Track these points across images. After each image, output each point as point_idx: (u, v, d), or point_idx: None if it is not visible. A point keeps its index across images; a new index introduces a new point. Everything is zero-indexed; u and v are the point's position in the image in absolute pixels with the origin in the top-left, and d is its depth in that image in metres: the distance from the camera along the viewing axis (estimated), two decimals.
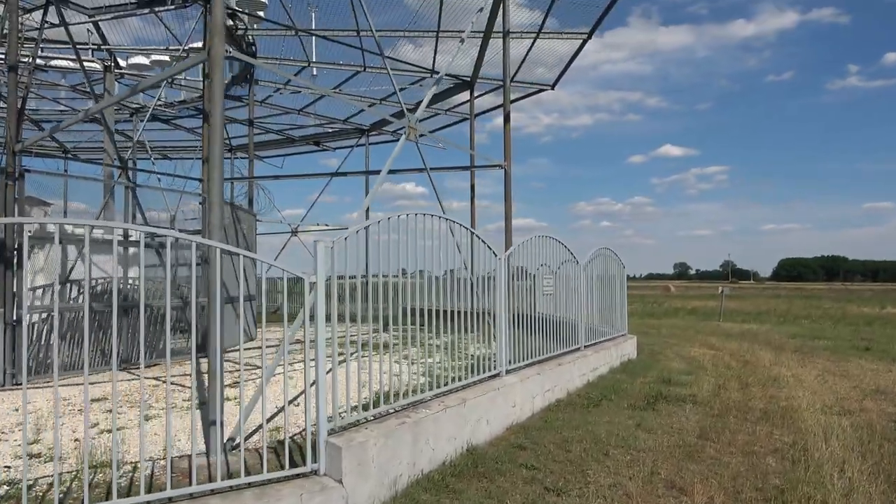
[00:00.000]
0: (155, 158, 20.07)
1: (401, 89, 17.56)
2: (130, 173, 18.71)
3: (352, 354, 4.86)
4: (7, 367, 8.20)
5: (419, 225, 5.53)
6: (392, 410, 5.14)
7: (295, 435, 5.32)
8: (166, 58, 15.10)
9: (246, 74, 15.60)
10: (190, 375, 8.11)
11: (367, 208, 6.89)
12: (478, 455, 5.52)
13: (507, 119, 10.75)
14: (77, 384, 8.16)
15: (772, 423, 7.04)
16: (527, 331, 7.93)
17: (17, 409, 6.90)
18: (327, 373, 4.49)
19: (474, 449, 5.69)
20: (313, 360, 4.41)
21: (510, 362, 7.48)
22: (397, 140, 12.14)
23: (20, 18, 11.77)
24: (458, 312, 6.36)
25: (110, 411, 6.94)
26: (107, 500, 3.50)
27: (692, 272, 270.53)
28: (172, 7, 11.74)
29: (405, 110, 8.14)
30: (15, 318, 8.28)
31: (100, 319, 9.43)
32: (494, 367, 6.93)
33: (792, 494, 4.74)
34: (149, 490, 3.69)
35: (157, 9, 12.00)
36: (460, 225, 6.32)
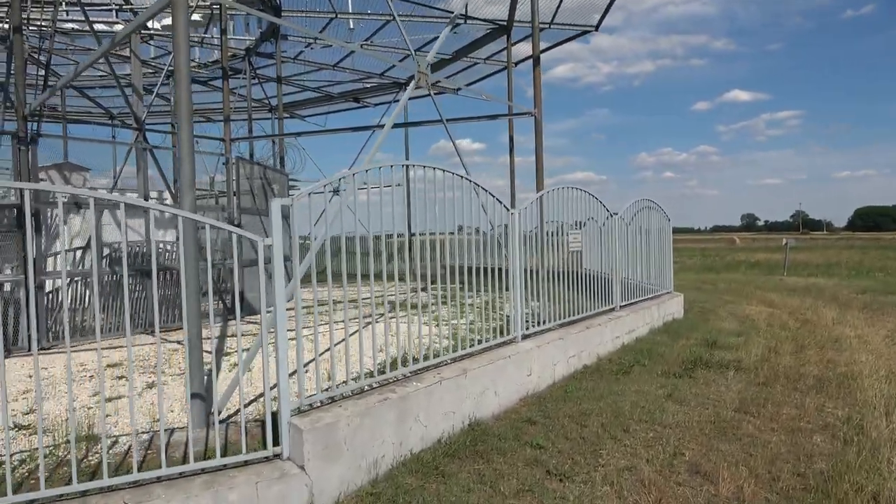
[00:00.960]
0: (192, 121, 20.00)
1: (434, 38, 16.82)
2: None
3: (336, 322, 4.43)
4: (31, 333, 8.27)
5: (413, 176, 4.97)
6: (374, 385, 4.68)
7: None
8: (198, 17, 14.76)
9: (273, 30, 15.12)
10: (209, 340, 7.96)
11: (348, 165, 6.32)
12: (480, 431, 5.01)
13: (536, 62, 9.89)
14: (101, 349, 8.14)
15: (825, 394, 6.24)
16: (552, 290, 7.30)
17: (30, 376, 6.89)
18: (325, 350, 4.06)
19: (477, 424, 5.18)
20: (292, 331, 4.01)
21: (538, 324, 6.90)
22: (436, 94, 11.45)
23: None
24: (463, 269, 5.81)
25: (122, 377, 6.88)
26: (29, 491, 3.22)
27: (760, 223, 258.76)
28: None
29: (413, 54, 7.46)
30: (36, 283, 8.29)
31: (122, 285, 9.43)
32: (509, 332, 6.36)
33: (838, 484, 4.04)
34: (85, 475, 3.38)
35: None
36: (463, 178, 5.69)
